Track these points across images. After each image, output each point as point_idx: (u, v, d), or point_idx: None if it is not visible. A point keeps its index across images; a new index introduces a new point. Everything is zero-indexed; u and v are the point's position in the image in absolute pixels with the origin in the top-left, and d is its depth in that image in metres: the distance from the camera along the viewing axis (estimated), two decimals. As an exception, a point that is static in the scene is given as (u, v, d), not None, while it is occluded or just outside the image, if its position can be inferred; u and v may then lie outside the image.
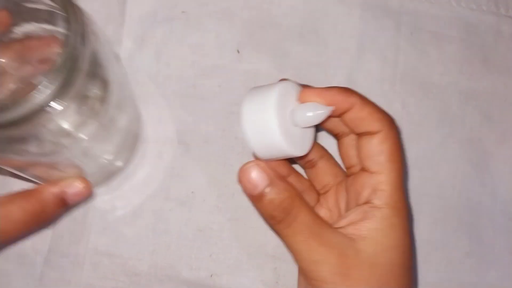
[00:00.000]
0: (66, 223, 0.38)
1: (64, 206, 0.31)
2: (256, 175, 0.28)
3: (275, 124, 0.27)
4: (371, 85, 0.41)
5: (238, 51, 0.41)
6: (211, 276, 0.38)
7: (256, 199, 0.29)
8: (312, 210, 0.29)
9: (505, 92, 0.42)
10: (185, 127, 0.40)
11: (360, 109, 0.29)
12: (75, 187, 0.31)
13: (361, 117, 0.29)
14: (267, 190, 0.28)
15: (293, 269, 0.38)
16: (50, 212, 0.31)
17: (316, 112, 0.28)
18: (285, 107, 0.28)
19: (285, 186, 0.28)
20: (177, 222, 0.38)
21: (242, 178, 0.28)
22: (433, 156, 0.41)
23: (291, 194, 0.28)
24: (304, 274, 0.29)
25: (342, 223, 0.30)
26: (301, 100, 0.30)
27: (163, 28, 0.41)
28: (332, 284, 0.28)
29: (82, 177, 0.31)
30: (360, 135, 0.30)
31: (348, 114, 0.30)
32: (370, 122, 0.29)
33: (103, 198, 0.38)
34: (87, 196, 0.32)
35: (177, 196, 0.39)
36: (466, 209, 0.41)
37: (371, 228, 0.28)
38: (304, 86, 0.31)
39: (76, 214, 0.38)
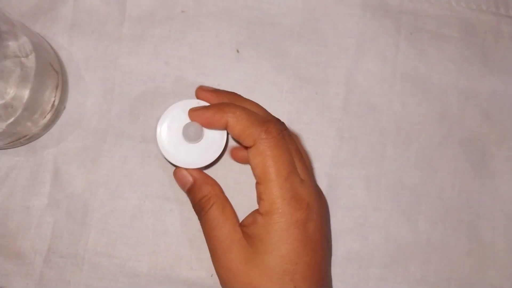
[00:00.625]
0: (65, 223, 0.38)
1: None
2: (181, 179, 0.35)
3: (162, 145, 0.35)
4: (371, 85, 0.41)
5: (238, 51, 0.41)
6: (212, 276, 0.38)
7: (187, 194, 0.36)
8: (222, 207, 0.34)
9: (505, 92, 0.42)
10: (185, 127, 0.40)
11: (233, 127, 0.32)
12: None
13: (236, 134, 0.33)
14: (188, 192, 0.35)
15: (293, 269, 0.38)
16: None
17: (189, 132, 0.34)
18: (179, 125, 0.34)
19: (203, 186, 0.34)
20: (177, 223, 0.38)
21: (175, 178, 0.36)
22: (433, 156, 0.41)
23: (206, 193, 0.34)
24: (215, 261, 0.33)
25: (244, 222, 0.34)
26: (190, 118, 0.34)
27: (163, 28, 0.41)
28: (237, 271, 0.32)
29: None
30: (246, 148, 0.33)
31: (229, 131, 0.33)
32: (243, 138, 0.32)
33: (102, 198, 0.38)
34: None
35: (177, 196, 0.39)
36: (465, 209, 0.41)
37: (255, 232, 0.32)
38: (194, 108, 0.34)
39: (75, 215, 0.38)
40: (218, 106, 0.33)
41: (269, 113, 0.35)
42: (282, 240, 0.31)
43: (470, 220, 0.41)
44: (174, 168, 0.36)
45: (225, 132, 0.34)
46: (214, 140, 0.35)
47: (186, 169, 0.35)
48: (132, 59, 0.40)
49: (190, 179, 0.35)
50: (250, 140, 0.32)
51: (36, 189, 0.38)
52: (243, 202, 0.39)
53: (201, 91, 0.35)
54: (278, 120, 0.34)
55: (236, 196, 0.39)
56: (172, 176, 0.39)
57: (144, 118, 0.39)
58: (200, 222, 0.34)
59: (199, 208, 0.34)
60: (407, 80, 0.42)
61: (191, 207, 0.39)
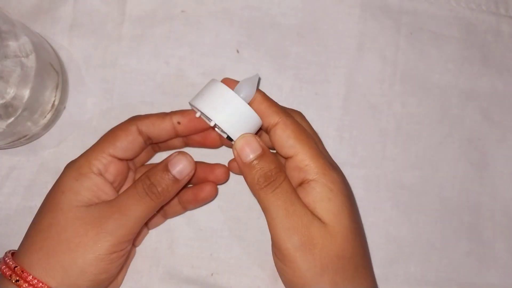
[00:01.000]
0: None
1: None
2: (253, 143, 0.32)
3: (243, 103, 0.31)
4: (371, 84, 0.41)
5: (238, 51, 0.41)
6: (212, 274, 0.38)
7: (247, 165, 0.32)
8: (290, 182, 0.32)
9: (505, 91, 0.42)
10: (185, 127, 0.40)
11: (260, 102, 0.32)
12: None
13: (262, 108, 0.32)
14: (257, 159, 0.31)
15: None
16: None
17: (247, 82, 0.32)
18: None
19: (273, 157, 0.32)
20: (179, 221, 0.39)
21: (239, 144, 0.32)
22: (433, 155, 0.41)
23: (278, 165, 0.32)
24: (275, 244, 0.31)
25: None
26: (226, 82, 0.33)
27: (163, 28, 0.41)
28: (298, 255, 0.30)
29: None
30: (267, 129, 0.33)
31: (255, 104, 0.32)
32: (268, 116, 0.32)
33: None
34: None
35: (177, 196, 0.39)
36: (465, 209, 0.41)
37: (316, 200, 0.31)
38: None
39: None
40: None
41: None
42: (342, 201, 0.31)
43: (470, 220, 0.41)
44: None
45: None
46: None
47: (256, 138, 0.32)
48: (132, 59, 0.40)
49: (260, 146, 0.32)
50: (276, 117, 0.32)
51: (37, 189, 0.38)
52: (244, 202, 0.39)
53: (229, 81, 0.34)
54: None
55: (237, 195, 0.39)
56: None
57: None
58: (266, 196, 0.31)
59: (270, 179, 0.31)
60: (407, 80, 0.42)
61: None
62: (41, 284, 0.30)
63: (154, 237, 0.38)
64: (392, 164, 0.41)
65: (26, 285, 0.30)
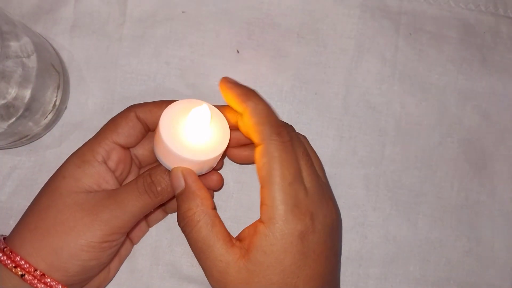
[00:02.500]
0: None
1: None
2: (176, 177, 0.32)
3: (167, 141, 0.31)
4: (370, 85, 0.42)
5: (238, 51, 0.41)
6: (211, 274, 0.38)
7: (176, 199, 0.32)
8: (211, 225, 0.31)
9: (504, 92, 0.42)
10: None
11: (249, 117, 0.31)
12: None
13: (249, 125, 0.31)
14: (179, 195, 0.32)
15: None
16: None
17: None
18: (180, 120, 0.32)
19: (192, 197, 0.31)
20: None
21: (170, 177, 0.32)
22: (432, 156, 0.41)
23: (194, 207, 0.31)
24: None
25: (242, 234, 0.32)
26: (220, 86, 0.33)
27: (163, 28, 0.41)
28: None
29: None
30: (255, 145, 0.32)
31: (243, 119, 0.32)
32: (253, 132, 0.31)
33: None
34: None
35: (177, 195, 0.39)
36: (464, 209, 0.41)
37: (257, 244, 0.30)
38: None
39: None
40: (249, 89, 0.33)
41: (280, 120, 0.34)
42: (285, 253, 0.30)
43: (469, 220, 0.41)
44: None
45: (227, 132, 0.33)
46: (217, 138, 0.32)
47: (184, 172, 0.32)
48: (133, 59, 0.40)
49: (182, 183, 0.31)
50: (259, 137, 0.31)
51: (39, 189, 0.38)
52: (243, 201, 0.39)
53: (226, 80, 0.33)
54: (290, 126, 0.34)
55: (236, 195, 0.39)
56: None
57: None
58: (187, 240, 0.32)
59: (184, 222, 0.31)
60: (406, 80, 0.42)
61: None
62: (27, 265, 0.30)
63: (154, 236, 0.38)
64: (391, 164, 0.41)
65: (13, 264, 0.30)
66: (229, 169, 0.39)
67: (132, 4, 0.41)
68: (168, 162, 0.32)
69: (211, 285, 0.32)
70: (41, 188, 0.33)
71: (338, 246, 0.35)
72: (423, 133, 0.41)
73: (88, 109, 0.40)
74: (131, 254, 0.38)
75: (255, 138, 0.31)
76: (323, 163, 0.37)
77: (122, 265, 0.38)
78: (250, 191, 0.39)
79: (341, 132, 0.41)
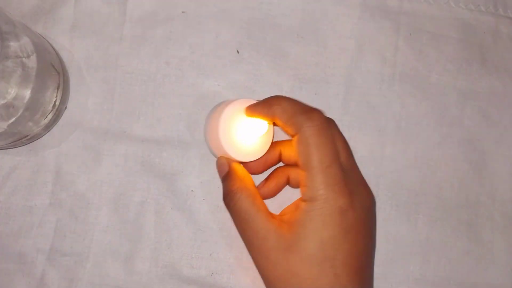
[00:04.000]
0: (68, 222, 0.38)
1: None
2: (221, 163, 0.36)
3: (223, 140, 0.34)
4: (370, 85, 0.42)
5: (238, 51, 0.41)
6: (212, 274, 0.38)
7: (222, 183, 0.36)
8: (252, 199, 0.33)
9: (504, 92, 0.43)
10: (185, 127, 0.40)
11: (280, 117, 0.33)
12: None
13: (282, 124, 0.33)
14: (222, 180, 0.36)
15: (293, 268, 0.38)
16: None
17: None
18: (234, 122, 0.35)
19: (234, 178, 0.35)
20: (178, 221, 0.39)
21: (216, 165, 0.36)
22: (432, 156, 0.41)
23: (236, 186, 0.34)
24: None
25: (284, 211, 0.36)
26: (247, 115, 0.35)
27: (163, 28, 0.41)
28: (276, 259, 0.32)
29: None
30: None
31: (277, 121, 0.34)
32: (289, 127, 0.33)
33: (105, 197, 0.39)
34: None
35: (177, 195, 0.39)
36: (464, 209, 0.41)
37: (297, 218, 0.32)
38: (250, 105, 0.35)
39: (78, 214, 0.38)
40: (266, 100, 0.34)
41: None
42: (324, 226, 0.31)
43: (469, 220, 0.41)
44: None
45: (269, 142, 0.36)
46: (260, 145, 0.36)
47: (228, 159, 0.36)
48: (133, 59, 0.40)
49: (226, 168, 0.35)
50: (294, 128, 0.32)
51: (38, 189, 0.38)
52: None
53: (248, 109, 0.35)
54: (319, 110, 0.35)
55: (236, 195, 0.39)
56: (173, 176, 0.39)
57: (144, 118, 0.40)
58: (230, 214, 0.35)
59: (228, 199, 0.34)
60: (406, 81, 0.42)
61: (192, 206, 0.39)
62: None
63: (153, 237, 0.38)
64: (392, 164, 0.41)
65: None
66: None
67: (132, 4, 0.41)
68: (217, 152, 0.36)
69: (253, 257, 0.34)
70: None
71: (374, 231, 0.37)
72: (423, 133, 0.41)
73: (88, 109, 0.40)
74: (129, 256, 0.38)
75: (290, 131, 0.33)
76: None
77: (121, 267, 0.38)
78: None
79: (341, 132, 0.41)
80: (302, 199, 0.33)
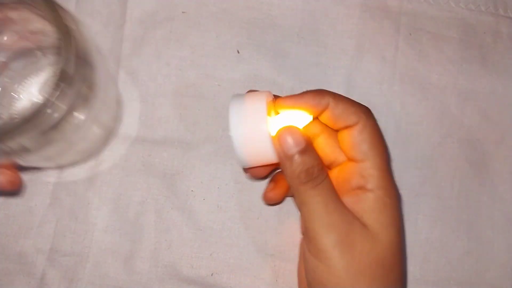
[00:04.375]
0: (68, 222, 0.38)
1: None
2: (297, 136, 0.30)
3: (268, 137, 0.30)
4: (370, 85, 0.42)
5: (238, 51, 0.41)
6: (212, 274, 0.38)
7: (289, 157, 0.30)
8: (331, 184, 0.31)
9: (504, 92, 0.42)
10: (185, 127, 0.40)
11: (334, 107, 0.32)
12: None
13: (337, 114, 0.32)
14: (300, 153, 0.30)
15: (292, 267, 0.38)
16: None
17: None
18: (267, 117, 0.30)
19: (316, 153, 0.31)
20: (178, 221, 0.39)
21: (282, 136, 0.30)
22: (432, 156, 0.41)
23: (320, 162, 0.31)
24: (311, 240, 0.30)
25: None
26: (279, 108, 0.32)
27: (164, 28, 0.41)
28: (336, 252, 0.29)
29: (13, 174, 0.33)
30: (339, 130, 0.33)
31: (324, 114, 0.32)
32: (346, 117, 0.32)
33: (105, 197, 0.39)
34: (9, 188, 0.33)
35: (177, 195, 0.39)
36: (465, 209, 0.41)
37: (367, 209, 0.31)
38: (277, 97, 0.33)
39: (78, 214, 0.38)
40: (317, 90, 0.32)
41: None
42: (395, 216, 0.31)
43: (469, 220, 0.41)
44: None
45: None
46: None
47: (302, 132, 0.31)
48: (134, 60, 0.40)
49: (304, 139, 0.30)
50: (355, 117, 0.31)
51: (38, 189, 0.39)
52: (244, 201, 0.39)
53: (285, 98, 0.32)
54: None
55: (236, 195, 0.39)
56: (173, 176, 0.39)
57: (145, 118, 0.40)
58: (305, 191, 0.30)
59: (312, 175, 0.30)
60: (406, 81, 0.42)
61: (192, 206, 0.39)
62: None
63: (153, 238, 0.38)
64: (392, 164, 0.41)
65: None
66: (229, 170, 0.39)
67: (133, 5, 0.41)
68: (258, 155, 0.31)
69: (323, 244, 0.30)
70: None
71: None
72: (423, 133, 0.41)
73: (88, 109, 0.40)
74: (129, 256, 0.38)
75: (350, 120, 0.31)
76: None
77: (121, 267, 0.38)
78: (250, 191, 0.39)
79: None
80: (365, 188, 0.31)
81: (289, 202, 0.39)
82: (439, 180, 0.41)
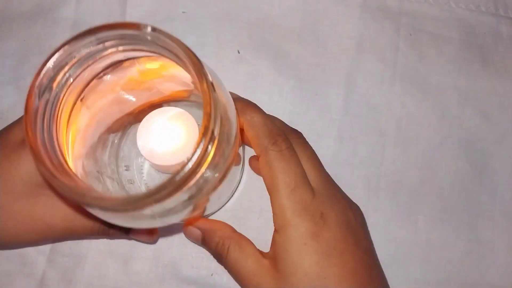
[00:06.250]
0: (67, 222, 0.38)
1: (125, 234, 0.35)
2: (191, 232, 0.34)
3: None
4: (371, 85, 0.42)
5: (239, 52, 0.41)
6: (212, 275, 0.38)
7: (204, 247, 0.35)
8: (239, 246, 0.32)
9: (504, 92, 0.42)
10: (186, 127, 0.40)
11: (246, 130, 0.32)
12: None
13: (249, 138, 0.32)
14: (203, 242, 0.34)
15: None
16: (112, 232, 0.34)
17: None
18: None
19: (212, 235, 0.33)
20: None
21: (187, 236, 0.35)
22: (432, 156, 0.41)
23: (218, 240, 0.33)
24: None
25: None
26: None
27: (164, 28, 0.41)
28: None
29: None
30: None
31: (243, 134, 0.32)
32: (253, 145, 0.32)
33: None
34: (146, 239, 0.36)
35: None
36: (465, 209, 0.41)
37: (276, 253, 0.31)
38: None
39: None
40: (246, 102, 0.33)
41: (286, 125, 0.35)
42: (301, 256, 0.30)
43: (469, 220, 0.41)
44: None
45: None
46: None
47: (192, 223, 0.34)
48: (133, 59, 0.40)
49: (198, 232, 0.33)
50: (258, 149, 0.31)
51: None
52: (244, 202, 0.39)
53: None
54: (295, 130, 0.34)
55: (236, 195, 0.39)
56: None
57: (145, 119, 0.40)
58: (227, 270, 0.33)
59: (219, 256, 0.33)
60: (406, 81, 0.42)
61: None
62: None
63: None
64: (392, 164, 0.41)
65: None
66: (230, 170, 0.39)
67: (133, 5, 0.41)
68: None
69: None
70: None
71: (366, 243, 0.33)
72: (424, 133, 0.41)
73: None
74: (129, 256, 0.38)
75: (255, 151, 0.32)
76: (323, 163, 0.37)
77: (120, 267, 0.38)
78: (250, 191, 0.39)
79: (342, 133, 0.41)
80: (274, 229, 0.31)
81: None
82: (439, 181, 0.41)
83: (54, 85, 0.25)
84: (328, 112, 0.41)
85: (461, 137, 0.42)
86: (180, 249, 0.38)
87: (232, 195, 0.39)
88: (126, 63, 0.28)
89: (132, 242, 0.38)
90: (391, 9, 0.43)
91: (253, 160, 0.37)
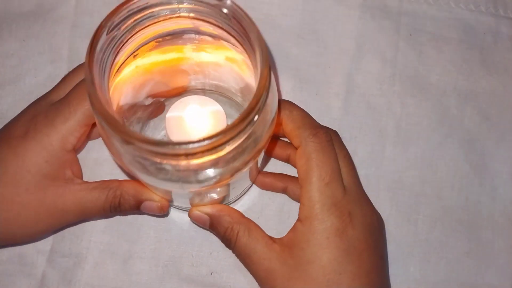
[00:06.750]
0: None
1: (136, 209, 0.34)
2: (198, 217, 0.34)
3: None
4: (370, 85, 0.42)
5: (239, 52, 0.41)
6: (211, 273, 0.38)
7: (211, 231, 0.35)
8: (248, 231, 0.32)
9: (504, 92, 0.43)
10: (186, 127, 0.40)
11: (286, 124, 0.32)
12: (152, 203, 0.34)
13: (287, 131, 0.32)
14: (211, 226, 0.34)
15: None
16: (123, 208, 0.34)
17: None
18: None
19: (221, 220, 0.33)
20: (178, 220, 0.39)
21: (193, 220, 0.34)
22: (432, 156, 0.41)
23: (227, 225, 0.33)
24: None
25: (287, 232, 0.33)
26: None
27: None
28: None
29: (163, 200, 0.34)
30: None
31: (282, 129, 0.33)
32: (292, 137, 0.32)
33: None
34: (157, 212, 0.35)
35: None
36: (465, 209, 0.41)
37: (295, 241, 0.31)
38: None
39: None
40: (283, 100, 0.33)
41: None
42: (322, 249, 0.30)
43: (469, 220, 0.41)
44: None
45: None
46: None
47: (198, 209, 0.34)
48: (133, 59, 0.40)
49: (206, 217, 0.33)
50: (298, 140, 0.32)
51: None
52: (244, 202, 0.39)
53: None
54: (329, 129, 0.34)
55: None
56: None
57: (145, 118, 0.40)
58: (236, 255, 0.34)
59: (227, 242, 0.33)
60: (406, 81, 0.42)
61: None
62: None
63: (153, 237, 0.38)
64: (392, 164, 0.41)
65: None
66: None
67: (133, 4, 0.41)
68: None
69: None
70: None
71: (382, 249, 0.34)
72: (423, 133, 0.41)
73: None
74: (129, 256, 0.38)
75: (294, 142, 0.32)
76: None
77: (120, 267, 0.38)
78: (251, 191, 0.39)
79: (342, 133, 0.40)
80: (299, 219, 0.31)
81: (289, 202, 0.39)
82: (439, 181, 0.41)
83: (123, 27, 0.26)
84: (328, 112, 0.41)
85: (460, 137, 0.42)
86: (179, 249, 0.38)
87: (242, 195, 0.39)
88: (186, 37, 0.29)
89: (132, 242, 0.38)
90: (390, 9, 0.43)
91: (261, 176, 0.37)
